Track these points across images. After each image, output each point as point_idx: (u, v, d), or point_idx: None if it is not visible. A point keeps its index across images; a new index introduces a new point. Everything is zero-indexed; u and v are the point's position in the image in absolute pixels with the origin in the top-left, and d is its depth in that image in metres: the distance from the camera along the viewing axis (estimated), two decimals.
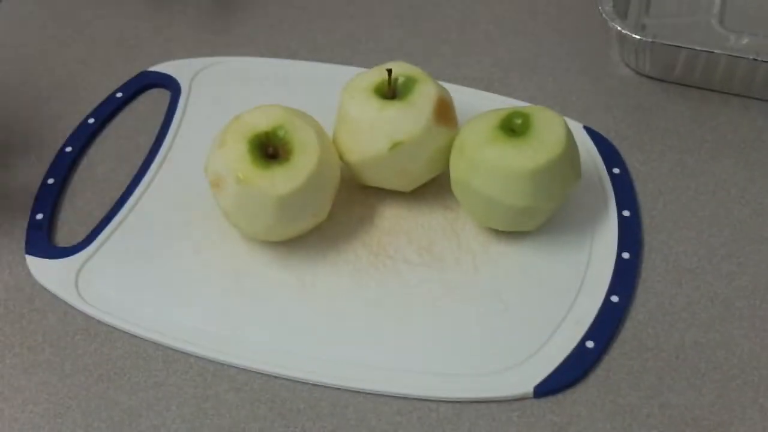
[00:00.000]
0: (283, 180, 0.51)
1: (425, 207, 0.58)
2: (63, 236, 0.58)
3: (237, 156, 0.51)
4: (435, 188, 0.58)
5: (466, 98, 0.62)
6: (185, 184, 0.60)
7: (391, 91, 0.55)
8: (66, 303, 0.54)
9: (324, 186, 0.53)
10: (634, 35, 0.64)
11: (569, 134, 0.53)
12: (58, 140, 0.64)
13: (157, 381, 0.51)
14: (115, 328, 0.53)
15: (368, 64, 0.59)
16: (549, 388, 0.50)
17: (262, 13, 0.73)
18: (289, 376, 0.51)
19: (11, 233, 0.58)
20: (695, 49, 0.62)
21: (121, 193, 0.60)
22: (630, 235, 0.56)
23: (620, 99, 0.66)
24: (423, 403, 0.50)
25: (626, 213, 0.57)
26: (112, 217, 0.58)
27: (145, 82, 0.68)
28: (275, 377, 0.51)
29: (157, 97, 0.67)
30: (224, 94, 0.66)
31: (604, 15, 0.65)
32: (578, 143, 0.55)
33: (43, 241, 0.57)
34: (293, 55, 0.69)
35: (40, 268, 0.56)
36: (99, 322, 0.53)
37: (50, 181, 0.61)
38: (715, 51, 0.62)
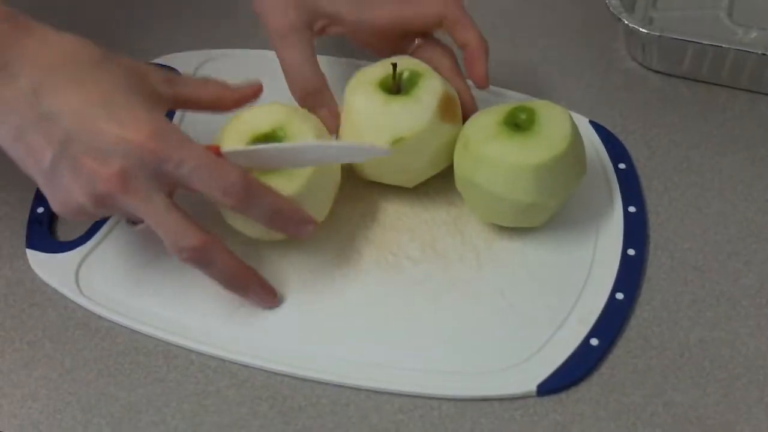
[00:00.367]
0: (283, 182, 0.50)
1: (429, 203, 0.58)
2: (64, 230, 0.58)
3: None
4: (438, 184, 0.57)
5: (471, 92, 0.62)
6: None
7: (395, 86, 0.55)
8: (66, 297, 0.54)
9: (324, 187, 0.53)
10: (641, 29, 0.63)
11: (575, 129, 0.52)
12: None
13: (157, 377, 0.51)
14: (115, 323, 0.53)
15: (373, 59, 0.59)
16: (552, 386, 0.49)
17: None
18: (290, 373, 0.50)
19: (12, 227, 0.58)
20: (703, 44, 0.62)
21: None
22: (636, 232, 0.56)
23: (627, 93, 0.65)
24: (425, 401, 0.49)
25: (632, 209, 0.57)
26: None
27: None
28: (276, 374, 0.50)
29: None
30: None
31: (611, 8, 0.64)
32: (584, 138, 0.54)
33: (43, 235, 0.57)
34: None
35: (40, 262, 0.55)
36: (99, 317, 0.53)
37: None
38: (723, 45, 0.62)
